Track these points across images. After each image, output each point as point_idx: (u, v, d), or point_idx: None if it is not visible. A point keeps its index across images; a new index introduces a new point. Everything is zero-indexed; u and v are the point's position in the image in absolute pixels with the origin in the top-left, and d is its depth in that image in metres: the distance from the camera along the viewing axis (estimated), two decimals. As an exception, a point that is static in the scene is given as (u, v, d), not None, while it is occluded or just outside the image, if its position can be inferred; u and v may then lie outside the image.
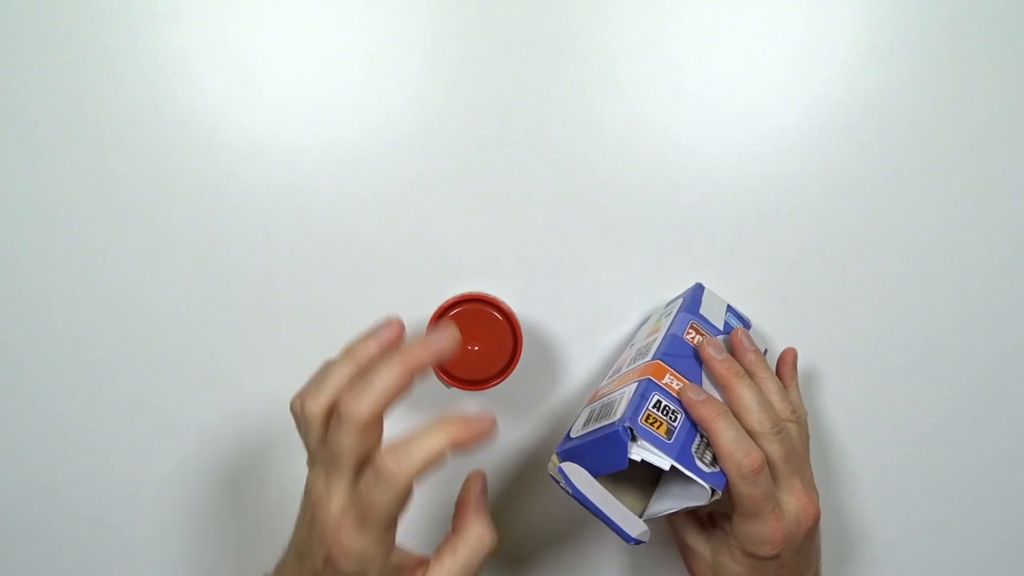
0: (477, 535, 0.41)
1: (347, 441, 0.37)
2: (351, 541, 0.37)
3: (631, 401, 0.44)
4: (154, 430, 0.58)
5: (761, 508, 0.44)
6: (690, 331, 0.49)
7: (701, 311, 0.51)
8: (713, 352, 0.47)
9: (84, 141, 0.56)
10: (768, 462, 0.44)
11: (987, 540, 0.59)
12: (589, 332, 0.58)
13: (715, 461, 0.43)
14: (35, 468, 0.58)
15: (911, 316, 0.57)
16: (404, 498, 0.37)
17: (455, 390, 0.56)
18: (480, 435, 0.38)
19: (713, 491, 0.42)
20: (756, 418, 0.45)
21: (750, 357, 0.49)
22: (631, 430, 0.42)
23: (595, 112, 0.56)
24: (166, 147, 0.56)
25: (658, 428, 0.42)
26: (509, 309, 0.52)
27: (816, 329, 0.58)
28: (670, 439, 0.42)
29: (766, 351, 0.51)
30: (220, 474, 0.59)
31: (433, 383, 0.57)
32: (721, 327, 0.51)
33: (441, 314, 0.52)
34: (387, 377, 0.37)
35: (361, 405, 0.37)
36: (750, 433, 0.44)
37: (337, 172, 0.57)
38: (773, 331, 0.57)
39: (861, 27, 0.56)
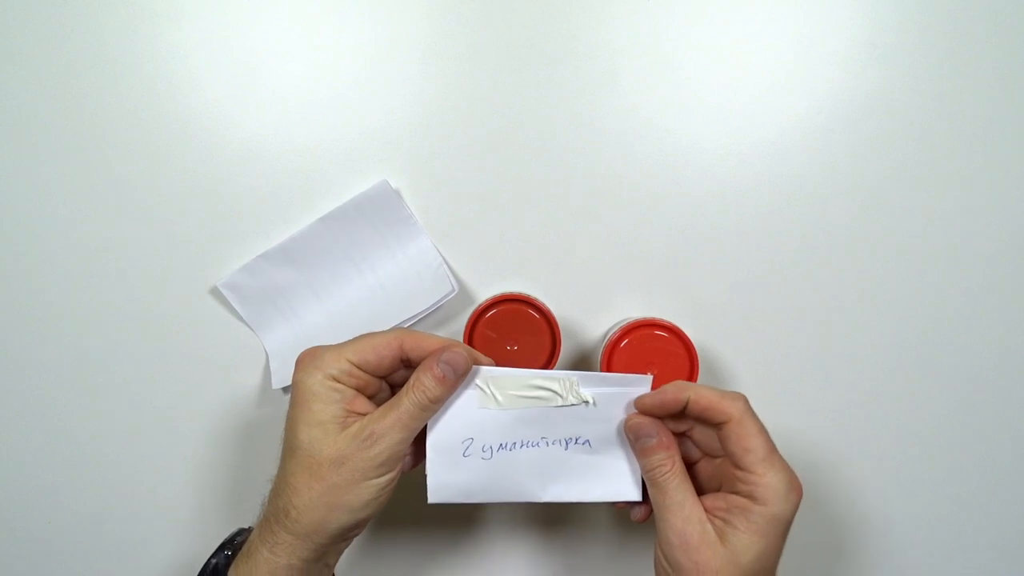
0: (419, 385, 0.44)
1: None
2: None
3: None
4: (154, 430, 0.58)
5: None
6: None
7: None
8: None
9: (84, 141, 0.56)
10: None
11: (987, 541, 0.59)
12: (584, 328, 0.58)
13: None
14: (35, 468, 0.58)
15: (911, 315, 0.57)
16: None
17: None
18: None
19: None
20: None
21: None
22: None
23: (595, 111, 0.56)
24: (166, 147, 0.56)
25: None
26: (547, 308, 0.52)
27: (816, 329, 0.58)
28: None
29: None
30: (219, 473, 0.59)
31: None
32: None
33: (480, 314, 0.52)
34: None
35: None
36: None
37: (337, 172, 0.57)
38: (773, 330, 0.57)
39: (861, 27, 0.56)
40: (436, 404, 0.45)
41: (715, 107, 0.57)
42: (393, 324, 0.55)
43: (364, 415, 0.44)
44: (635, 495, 0.47)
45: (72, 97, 0.56)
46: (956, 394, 0.58)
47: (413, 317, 0.55)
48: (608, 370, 0.51)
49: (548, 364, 0.51)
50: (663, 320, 0.52)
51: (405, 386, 0.45)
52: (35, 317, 0.57)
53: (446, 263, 0.56)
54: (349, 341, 0.46)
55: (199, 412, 0.58)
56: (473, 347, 0.51)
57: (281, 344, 0.57)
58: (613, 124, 0.57)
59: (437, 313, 0.57)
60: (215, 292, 0.57)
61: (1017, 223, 0.57)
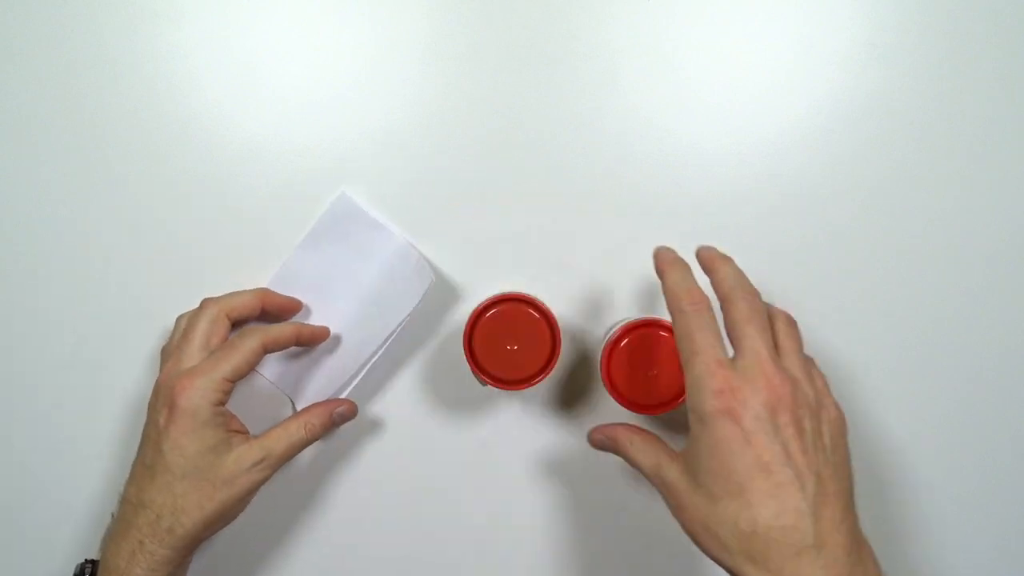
0: (297, 425, 0.51)
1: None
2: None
3: None
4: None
5: (699, 343, 0.41)
6: None
7: None
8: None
9: (84, 141, 0.56)
10: (732, 318, 0.43)
11: (988, 541, 0.59)
12: (584, 328, 0.58)
13: None
14: (36, 468, 0.58)
15: (911, 315, 0.57)
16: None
17: (491, 388, 0.56)
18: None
19: None
20: (730, 283, 0.44)
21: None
22: None
23: (595, 111, 0.56)
24: (166, 147, 0.57)
25: None
26: (547, 308, 0.52)
27: (816, 329, 0.57)
28: None
29: None
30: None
31: (471, 383, 0.57)
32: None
33: (480, 314, 0.52)
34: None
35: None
36: (722, 298, 0.44)
37: (337, 172, 0.57)
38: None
39: (861, 27, 0.56)
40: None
41: (715, 107, 0.57)
42: (389, 332, 0.55)
43: (238, 432, 0.50)
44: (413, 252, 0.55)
45: (72, 97, 0.56)
46: (956, 394, 0.58)
47: (406, 318, 0.55)
48: (608, 370, 0.51)
49: (548, 364, 0.51)
50: (663, 320, 0.52)
51: (296, 420, 0.51)
52: (34, 317, 0.57)
53: (423, 256, 0.56)
54: (220, 355, 0.49)
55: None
56: (473, 347, 0.52)
57: (279, 376, 0.57)
58: (613, 124, 0.57)
59: (437, 314, 0.57)
60: (213, 292, 0.57)
61: (1017, 223, 0.57)
